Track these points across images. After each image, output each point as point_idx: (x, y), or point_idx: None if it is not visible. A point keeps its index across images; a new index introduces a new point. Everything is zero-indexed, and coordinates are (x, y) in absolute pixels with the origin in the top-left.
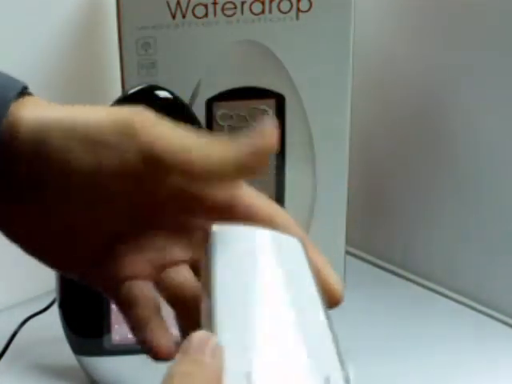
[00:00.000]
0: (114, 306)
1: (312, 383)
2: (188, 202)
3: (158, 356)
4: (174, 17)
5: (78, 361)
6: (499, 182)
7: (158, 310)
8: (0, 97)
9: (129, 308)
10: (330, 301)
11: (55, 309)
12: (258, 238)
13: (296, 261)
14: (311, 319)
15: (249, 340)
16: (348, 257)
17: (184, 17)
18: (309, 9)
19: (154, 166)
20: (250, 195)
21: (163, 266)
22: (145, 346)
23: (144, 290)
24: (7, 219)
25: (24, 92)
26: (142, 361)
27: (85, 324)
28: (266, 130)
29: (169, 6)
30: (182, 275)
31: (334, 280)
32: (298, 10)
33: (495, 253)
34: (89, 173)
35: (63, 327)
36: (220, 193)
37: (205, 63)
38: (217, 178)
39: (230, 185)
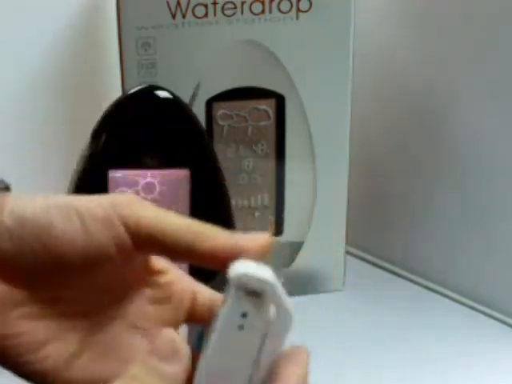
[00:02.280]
0: None
1: None
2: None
3: None
4: (174, 17)
5: None
6: (499, 182)
7: None
8: None
9: None
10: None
11: None
12: None
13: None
14: None
15: None
16: (348, 257)
17: (184, 17)
18: (309, 9)
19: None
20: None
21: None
22: None
23: None
24: None
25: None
26: None
27: None
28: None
29: (169, 5)
30: None
31: None
32: (298, 9)
33: (495, 253)
34: (80, 246)
35: None
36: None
37: (205, 63)
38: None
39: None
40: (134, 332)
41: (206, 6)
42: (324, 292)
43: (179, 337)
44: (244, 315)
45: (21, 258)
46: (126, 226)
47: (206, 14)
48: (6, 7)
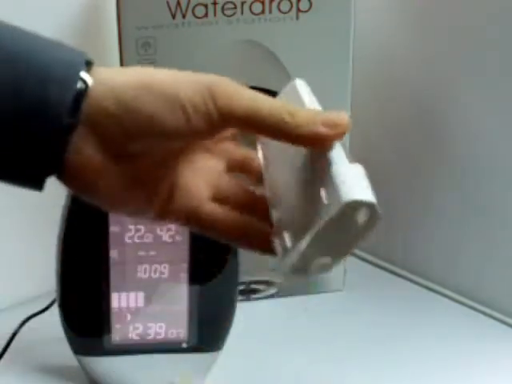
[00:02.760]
0: (113, 306)
1: None
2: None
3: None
4: (174, 17)
5: (78, 361)
6: (499, 182)
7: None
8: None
9: (214, 225)
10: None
11: (55, 309)
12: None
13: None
14: None
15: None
16: (348, 257)
17: (184, 17)
18: (309, 9)
19: (229, 124)
20: None
21: (217, 184)
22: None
23: (216, 206)
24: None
25: (90, 62)
26: (141, 361)
27: (85, 324)
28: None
29: (169, 5)
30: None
31: None
32: (298, 9)
33: (495, 253)
34: (175, 131)
35: (63, 327)
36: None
37: (205, 63)
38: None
39: None
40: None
41: (205, 6)
42: (324, 292)
43: None
44: None
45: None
46: (222, 113)
47: (206, 14)
48: (6, 7)
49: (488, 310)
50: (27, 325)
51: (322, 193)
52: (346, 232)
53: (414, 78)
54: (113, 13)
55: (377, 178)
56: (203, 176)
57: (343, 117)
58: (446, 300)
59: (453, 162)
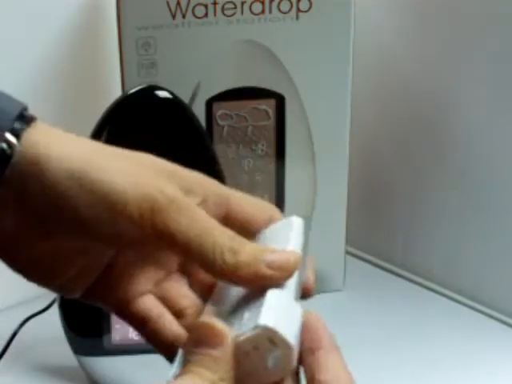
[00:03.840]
0: None
1: None
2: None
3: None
4: (174, 17)
5: (78, 361)
6: (499, 182)
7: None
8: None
9: (143, 323)
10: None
11: (55, 309)
12: None
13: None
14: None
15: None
16: (348, 257)
17: (184, 17)
18: (309, 9)
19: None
20: (241, 204)
21: (160, 280)
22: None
23: (153, 303)
24: (14, 246)
25: (24, 115)
26: (141, 361)
27: (85, 324)
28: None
29: (169, 6)
30: (176, 287)
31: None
32: (298, 9)
33: (495, 253)
34: (104, 234)
35: (63, 327)
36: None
37: (205, 63)
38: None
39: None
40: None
41: (206, 6)
42: (324, 292)
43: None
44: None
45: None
46: (156, 230)
47: (206, 14)
48: (6, 7)
49: (488, 310)
50: (27, 325)
51: (246, 314)
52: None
53: (414, 78)
54: (113, 13)
55: (377, 177)
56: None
57: (292, 259)
58: (445, 300)
59: (453, 162)
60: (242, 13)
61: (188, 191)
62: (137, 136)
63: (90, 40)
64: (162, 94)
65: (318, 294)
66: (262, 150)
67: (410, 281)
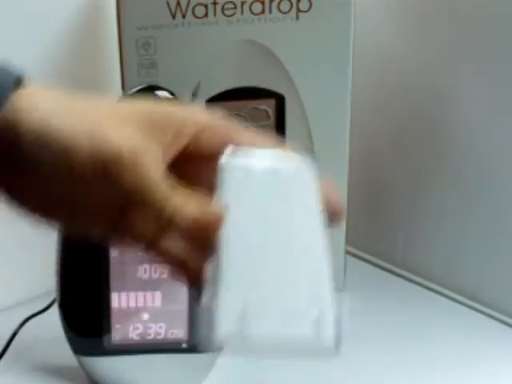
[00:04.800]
0: (113, 306)
1: (302, 322)
2: None
3: None
4: (174, 17)
5: (78, 361)
6: (499, 182)
7: None
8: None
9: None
10: (333, 217)
11: (55, 309)
12: (262, 165)
13: (301, 185)
14: (311, 251)
15: (249, 278)
16: (348, 257)
17: (184, 17)
18: (309, 9)
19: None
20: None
21: None
22: None
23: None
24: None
25: (20, 82)
26: (142, 361)
27: (85, 324)
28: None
29: (169, 5)
30: None
31: (336, 197)
32: (298, 9)
33: (495, 253)
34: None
35: (63, 327)
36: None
37: (205, 63)
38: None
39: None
40: None
41: (206, 6)
42: None
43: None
44: None
45: None
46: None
47: (206, 14)
48: (6, 7)
49: (488, 311)
50: (27, 325)
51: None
52: None
53: (413, 78)
54: (113, 13)
55: (377, 177)
56: None
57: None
58: (445, 300)
59: (452, 162)
60: (242, 13)
61: (162, 129)
62: None
63: (89, 40)
64: (162, 93)
65: None
66: None
67: (410, 281)
